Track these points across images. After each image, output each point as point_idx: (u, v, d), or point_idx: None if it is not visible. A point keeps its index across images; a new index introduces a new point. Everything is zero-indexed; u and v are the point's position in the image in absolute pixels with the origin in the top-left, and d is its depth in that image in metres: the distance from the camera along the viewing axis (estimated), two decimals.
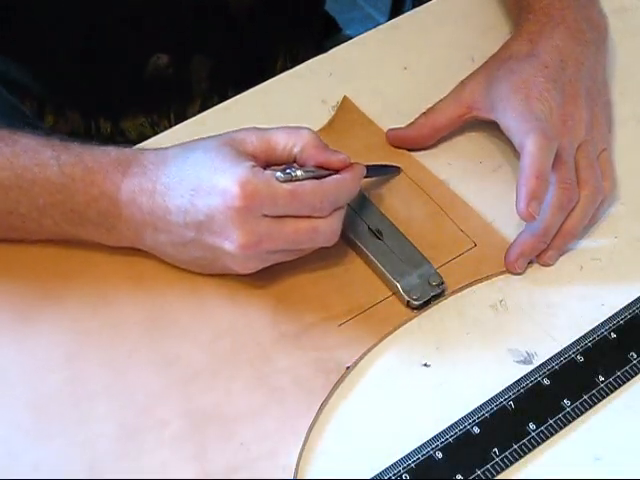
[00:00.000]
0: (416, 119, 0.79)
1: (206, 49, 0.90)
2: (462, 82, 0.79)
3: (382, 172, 0.77)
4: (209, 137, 0.67)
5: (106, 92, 0.89)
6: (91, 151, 0.67)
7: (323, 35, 1.05)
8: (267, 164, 0.66)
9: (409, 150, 0.79)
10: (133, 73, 0.89)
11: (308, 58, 0.93)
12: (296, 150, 0.66)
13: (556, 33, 0.77)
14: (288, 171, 0.64)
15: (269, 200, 0.63)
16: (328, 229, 0.66)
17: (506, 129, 0.74)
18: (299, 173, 0.65)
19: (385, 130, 0.80)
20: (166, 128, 0.85)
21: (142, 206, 0.65)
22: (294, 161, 0.67)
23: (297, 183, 0.64)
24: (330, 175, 0.66)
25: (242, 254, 0.64)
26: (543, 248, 0.72)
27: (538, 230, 0.71)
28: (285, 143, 0.66)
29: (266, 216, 0.64)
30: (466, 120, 0.78)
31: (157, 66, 0.87)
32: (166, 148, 0.68)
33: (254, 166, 0.64)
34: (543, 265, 0.73)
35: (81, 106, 0.90)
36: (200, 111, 0.89)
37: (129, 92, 0.90)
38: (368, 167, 0.70)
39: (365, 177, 0.70)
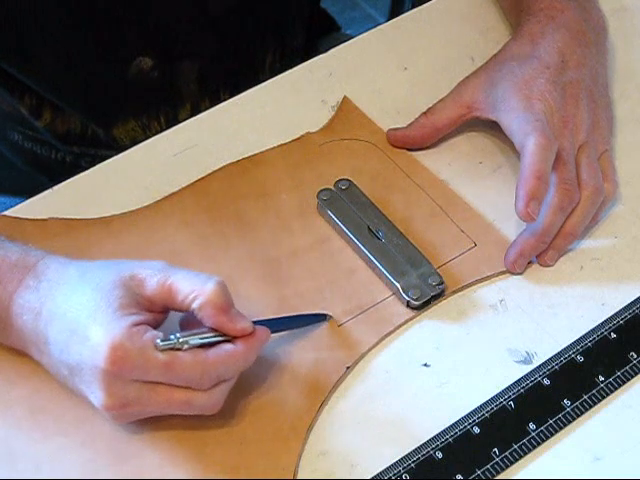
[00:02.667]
0: (416, 119, 0.79)
1: (191, 52, 0.90)
2: (462, 82, 0.79)
3: (303, 322, 0.69)
4: (113, 264, 0.63)
5: (92, 94, 0.89)
6: None
7: (318, 32, 1.05)
8: (165, 309, 0.62)
9: (409, 150, 0.79)
10: (116, 76, 0.88)
11: (299, 54, 0.93)
12: (195, 305, 0.60)
13: (557, 34, 0.77)
14: (172, 337, 0.59)
15: (140, 368, 0.58)
16: (207, 403, 0.61)
17: (507, 129, 0.74)
18: (182, 341, 0.59)
19: (385, 130, 0.80)
20: (157, 131, 0.85)
21: (27, 324, 0.62)
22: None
23: (177, 354, 0.59)
24: (224, 341, 0.61)
25: (107, 413, 0.60)
26: (543, 248, 0.72)
27: (538, 230, 0.71)
28: (186, 295, 0.60)
29: (137, 381, 0.59)
30: (467, 120, 0.78)
31: (141, 69, 0.87)
32: (70, 263, 0.64)
33: (136, 324, 0.59)
34: (543, 265, 0.73)
35: (72, 108, 0.90)
36: (192, 114, 0.89)
37: (115, 95, 0.90)
38: (285, 319, 0.67)
39: (278, 331, 0.66)
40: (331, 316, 0.69)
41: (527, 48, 0.77)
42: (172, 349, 0.59)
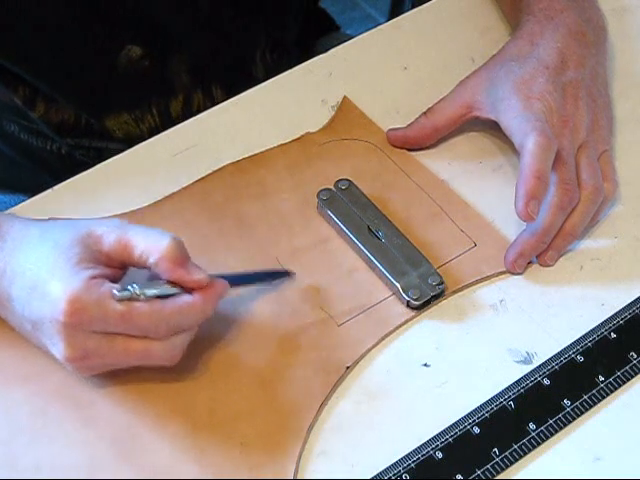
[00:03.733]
0: (416, 119, 0.79)
1: (180, 42, 0.89)
2: (462, 82, 0.79)
3: (264, 278, 0.70)
4: (71, 223, 0.64)
5: (83, 84, 0.89)
6: None
7: (318, 32, 1.05)
8: (123, 265, 0.63)
9: (409, 150, 0.79)
10: (106, 66, 0.88)
11: (294, 50, 0.93)
12: (151, 261, 0.62)
13: (557, 34, 0.77)
14: (128, 288, 0.60)
15: (97, 319, 0.60)
16: (163, 353, 0.62)
17: (506, 129, 0.74)
18: (140, 292, 0.60)
19: (385, 130, 0.80)
20: (150, 124, 0.84)
21: None
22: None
23: (134, 304, 0.60)
24: (181, 293, 0.62)
25: (69, 365, 0.62)
26: (543, 248, 0.72)
27: (538, 230, 0.71)
28: (142, 251, 0.62)
29: (96, 332, 0.60)
30: (466, 120, 0.78)
31: (130, 58, 0.87)
32: (32, 223, 0.66)
33: (93, 277, 0.60)
34: (543, 265, 0.73)
35: (64, 98, 0.90)
36: (184, 106, 0.89)
37: (105, 85, 0.89)
38: (244, 276, 0.67)
39: (240, 285, 0.67)
40: (294, 273, 0.70)
41: (527, 48, 0.77)
42: (130, 300, 0.60)
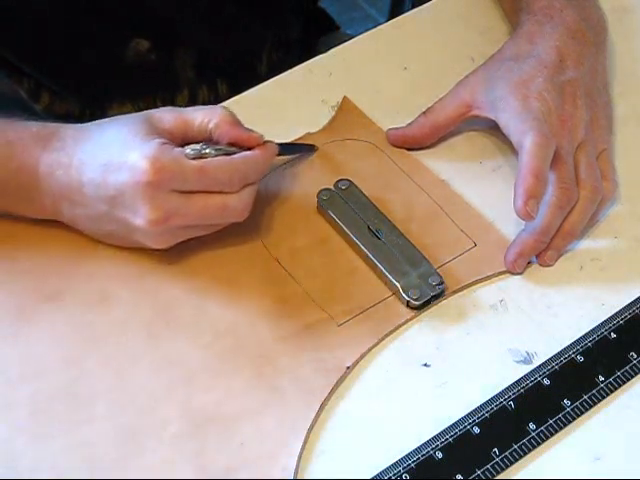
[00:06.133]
0: (416, 119, 0.79)
1: (186, 36, 0.90)
2: (461, 81, 0.79)
3: (297, 150, 0.78)
4: (125, 118, 0.69)
5: (89, 77, 0.89)
6: (14, 126, 0.69)
7: (318, 32, 1.05)
8: (184, 141, 0.67)
9: (409, 150, 0.79)
10: (113, 58, 0.88)
11: (296, 48, 0.93)
12: (211, 126, 0.67)
13: (556, 33, 0.77)
14: (198, 147, 0.66)
15: (177, 176, 0.64)
16: (238, 205, 0.67)
17: (505, 128, 0.74)
18: (209, 150, 0.66)
19: (385, 130, 0.80)
20: None
21: (59, 179, 0.67)
22: (210, 138, 0.67)
23: (206, 160, 0.66)
24: (242, 150, 0.68)
25: (151, 229, 0.66)
26: (543, 248, 0.72)
27: (537, 230, 0.71)
28: (201, 120, 0.67)
29: (175, 192, 0.65)
30: (466, 119, 0.78)
31: (138, 51, 0.87)
32: (87, 124, 0.70)
33: (164, 143, 0.65)
34: (543, 265, 0.73)
35: (69, 89, 0.90)
36: (190, 101, 0.89)
37: (111, 76, 0.90)
38: (282, 145, 0.72)
39: (280, 155, 0.72)
40: (317, 147, 0.78)
41: (525, 47, 0.77)
42: (200, 157, 0.66)
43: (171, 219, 0.65)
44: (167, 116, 0.68)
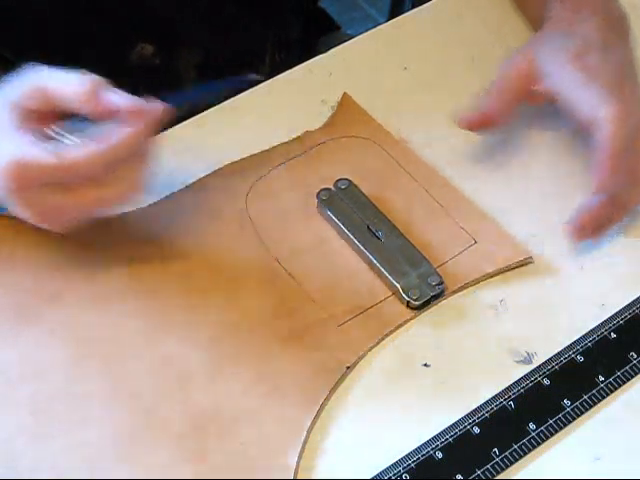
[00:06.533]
0: (482, 100, 0.77)
1: (189, 39, 0.90)
2: (509, 63, 0.77)
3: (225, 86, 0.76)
4: (4, 99, 0.65)
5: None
6: None
7: (318, 32, 1.05)
8: (55, 116, 0.65)
9: (484, 128, 0.77)
10: (114, 58, 0.88)
11: (297, 49, 0.93)
12: (77, 104, 0.63)
13: (592, 21, 0.76)
14: (58, 138, 0.64)
15: (41, 177, 0.62)
16: (114, 195, 0.65)
17: (569, 101, 0.72)
18: (67, 140, 0.64)
19: (385, 128, 0.80)
20: None
21: None
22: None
23: (65, 152, 0.62)
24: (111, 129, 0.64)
25: (44, 226, 0.65)
26: (605, 221, 0.72)
27: (605, 201, 0.70)
28: (68, 98, 0.64)
29: (50, 188, 0.63)
30: (525, 97, 0.76)
31: (142, 55, 0.87)
32: None
33: (28, 139, 0.63)
34: (594, 238, 0.72)
35: None
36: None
37: (112, 77, 0.90)
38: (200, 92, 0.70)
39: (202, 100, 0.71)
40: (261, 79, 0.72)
41: (568, 28, 0.76)
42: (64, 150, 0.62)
43: (50, 214, 0.64)
44: (33, 99, 0.64)
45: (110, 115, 0.63)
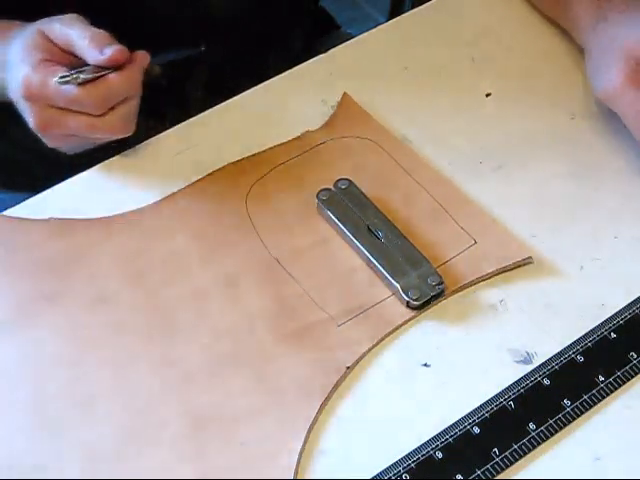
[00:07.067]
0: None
1: (198, 59, 0.90)
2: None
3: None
4: (35, 23, 0.76)
5: None
6: None
7: (318, 32, 1.05)
8: (69, 55, 0.74)
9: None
10: None
11: (300, 50, 0.93)
12: (84, 50, 0.73)
13: None
14: (67, 74, 0.72)
15: (43, 96, 0.72)
16: (105, 126, 0.73)
17: None
18: (75, 76, 0.72)
19: (385, 127, 0.80)
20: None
21: None
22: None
23: (70, 85, 0.72)
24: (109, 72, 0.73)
25: (39, 132, 0.74)
26: None
27: None
28: (80, 43, 0.73)
29: (51, 106, 0.73)
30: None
31: (149, 75, 0.88)
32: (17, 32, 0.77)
33: (42, 61, 0.73)
34: None
35: None
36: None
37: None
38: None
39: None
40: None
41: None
42: (68, 82, 0.72)
43: (50, 127, 0.73)
44: (56, 30, 0.74)
45: (109, 63, 0.73)
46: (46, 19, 0.75)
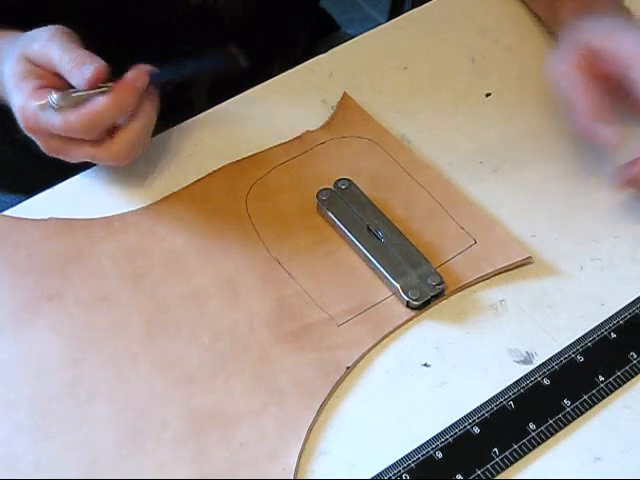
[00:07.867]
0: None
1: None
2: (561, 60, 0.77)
3: (201, 67, 0.77)
4: (15, 48, 0.73)
5: None
6: None
7: (318, 32, 1.05)
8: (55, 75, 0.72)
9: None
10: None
11: (302, 55, 0.93)
12: (69, 74, 0.71)
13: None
14: (54, 98, 0.69)
15: (42, 127, 0.71)
16: (105, 155, 0.72)
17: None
18: (63, 103, 0.69)
19: (385, 127, 0.80)
20: None
21: None
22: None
23: (62, 112, 0.70)
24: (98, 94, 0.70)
25: (56, 156, 0.73)
26: None
27: None
28: (63, 66, 0.71)
29: (54, 135, 0.71)
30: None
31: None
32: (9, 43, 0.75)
33: (35, 89, 0.70)
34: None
35: None
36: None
37: None
38: (177, 66, 0.74)
39: (180, 77, 0.77)
40: (243, 63, 0.75)
41: (622, 22, 0.77)
42: (46, 108, 0.70)
43: (59, 155, 0.73)
44: (37, 54, 0.71)
45: (95, 84, 0.70)
46: (27, 39, 0.73)
